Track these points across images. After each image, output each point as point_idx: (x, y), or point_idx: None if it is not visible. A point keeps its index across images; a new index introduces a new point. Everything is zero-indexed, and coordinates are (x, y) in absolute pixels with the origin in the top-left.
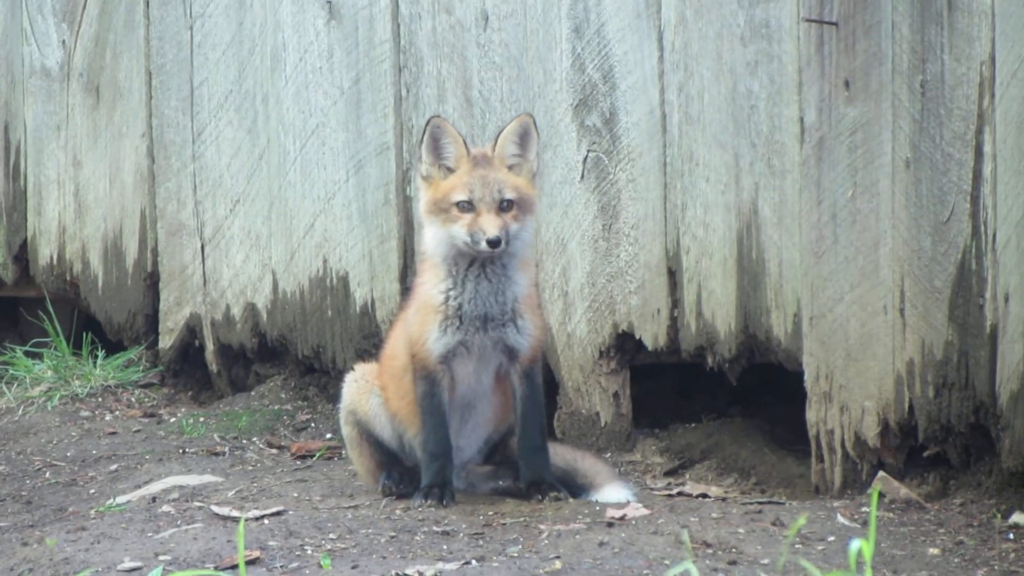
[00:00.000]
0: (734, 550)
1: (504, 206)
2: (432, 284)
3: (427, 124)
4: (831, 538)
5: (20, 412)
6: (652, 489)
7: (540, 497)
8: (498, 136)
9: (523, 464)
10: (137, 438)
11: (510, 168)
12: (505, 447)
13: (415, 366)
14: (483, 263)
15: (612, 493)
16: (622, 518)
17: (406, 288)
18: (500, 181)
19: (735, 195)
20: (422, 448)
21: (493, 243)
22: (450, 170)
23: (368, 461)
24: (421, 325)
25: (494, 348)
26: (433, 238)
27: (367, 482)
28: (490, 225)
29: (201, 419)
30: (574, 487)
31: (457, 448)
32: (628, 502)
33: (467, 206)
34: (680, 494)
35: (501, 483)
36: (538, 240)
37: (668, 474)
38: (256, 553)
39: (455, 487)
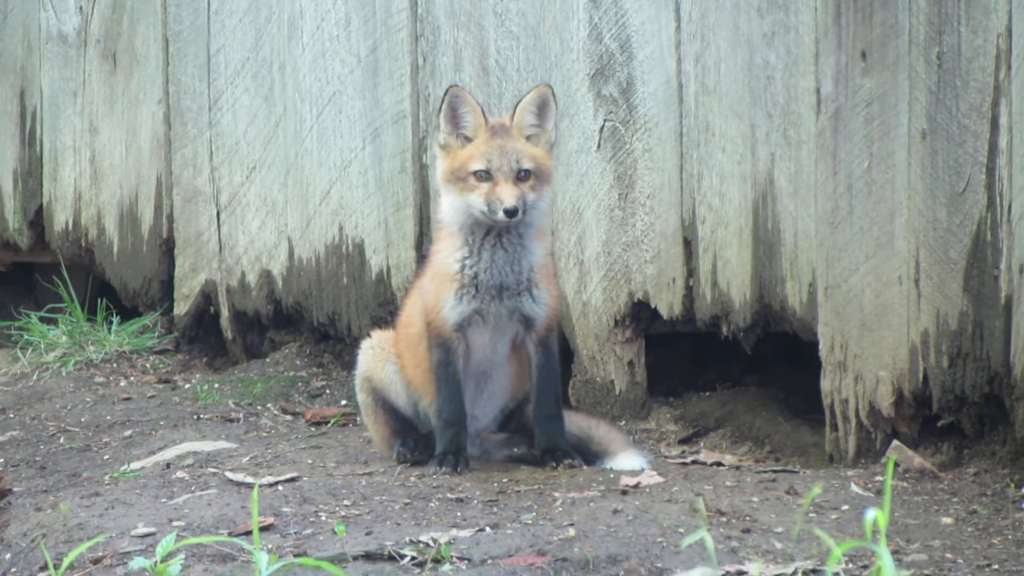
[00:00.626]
0: (748, 518)
1: (521, 176)
2: (448, 252)
3: (445, 93)
4: (845, 507)
5: (35, 377)
6: (666, 457)
7: (555, 464)
8: (516, 106)
9: (538, 431)
10: (151, 404)
11: (528, 138)
12: (520, 415)
13: (430, 334)
14: (499, 232)
15: (626, 460)
16: (636, 486)
17: (422, 256)
18: (518, 151)
19: (751, 165)
20: (437, 415)
21: (510, 212)
22: (468, 139)
23: (383, 428)
24: (437, 293)
25: (510, 317)
26: (450, 207)
27: (382, 449)
28: (507, 195)
29: (216, 385)
30: (588, 454)
31: (472, 417)
32: (642, 470)
33: (484, 175)
34: (694, 462)
35: (516, 451)
36: (554, 209)
37: (682, 442)
38: (270, 519)
39: (470, 454)
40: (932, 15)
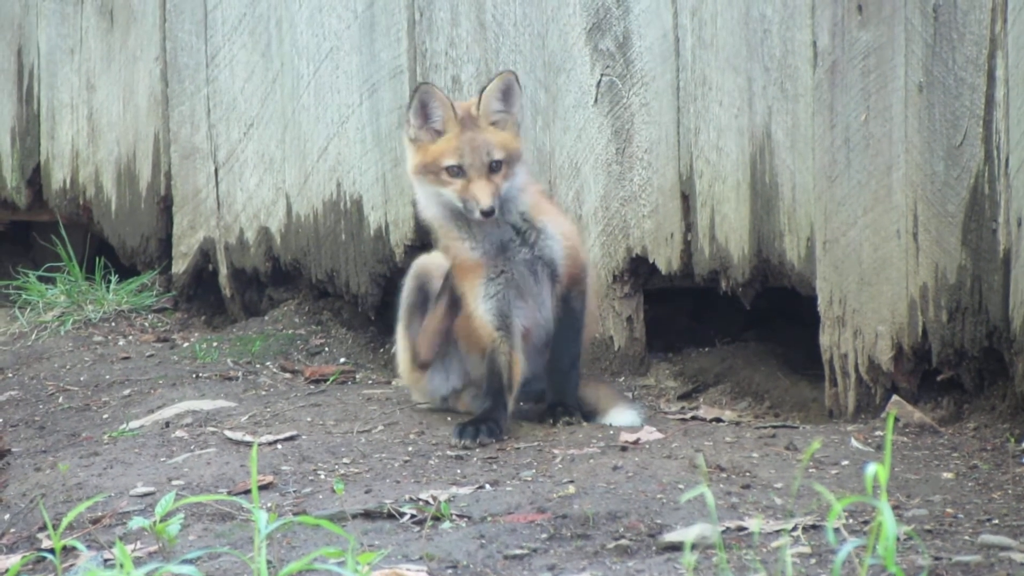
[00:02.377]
0: (748, 474)
1: (494, 167)
2: (456, 246)
3: (416, 90)
4: (845, 462)
5: (33, 337)
6: (666, 413)
7: (552, 421)
8: (481, 93)
9: (548, 385)
10: (150, 363)
11: (494, 124)
12: None
13: (475, 336)
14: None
15: (619, 416)
16: (636, 442)
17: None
18: (488, 143)
19: (748, 119)
20: (484, 387)
21: (487, 212)
22: (438, 132)
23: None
24: (469, 292)
25: (531, 270)
26: (427, 197)
27: (406, 374)
28: (483, 194)
29: (214, 344)
30: (582, 412)
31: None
32: (640, 425)
33: (457, 171)
34: (694, 418)
35: (522, 404)
36: (551, 164)
37: (682, 398)
38: (269, 478)
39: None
40: None
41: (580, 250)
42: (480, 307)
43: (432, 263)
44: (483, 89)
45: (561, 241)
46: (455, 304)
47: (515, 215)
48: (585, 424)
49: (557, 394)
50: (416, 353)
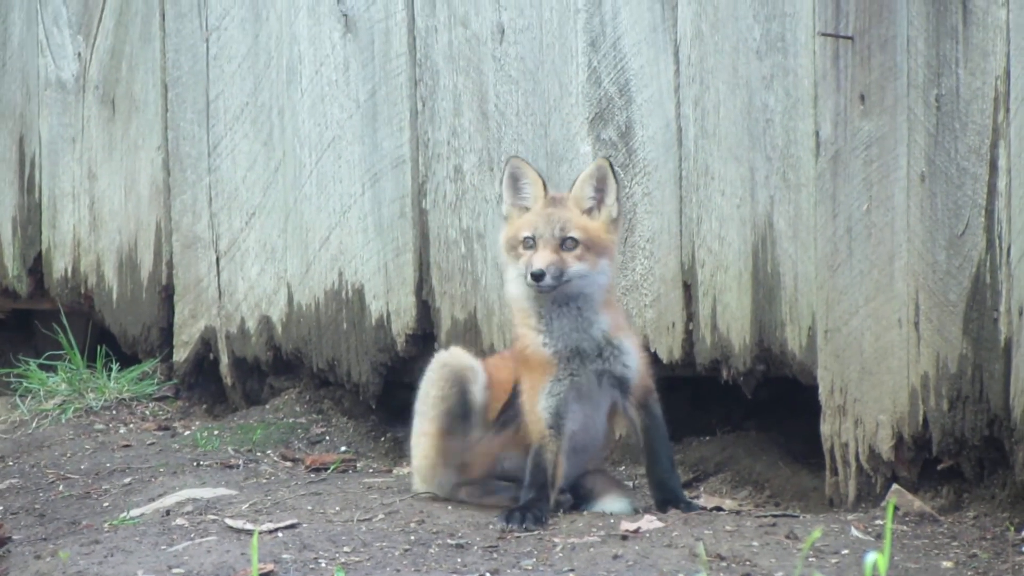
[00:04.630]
0: (748, 563)
1: (567, 245)
2: (530, 336)
3: (506, 164)
4: (845, 551)
5: (34, 425)
6: None
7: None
8: (577, 178)
9: (654, 486)
10: (151, 451)
11: (587, 211)
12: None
13: (528, 427)
14: (559, 303)
15: (611, 503)
16: (636, 531)
17: (423, 302)
18: (564, 219)
19: (750, 208)
20: (526, 479)
21: (536, 276)
22: (527, 209)
23: (445, 442)
24: (531, 387)
25: (600, 383)
26: (514, 277)
27: (421, 467)
28: (538, 259)
29: (215, 432)
30: (577, 496)
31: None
32: (632, 513)
33: (531, 242)
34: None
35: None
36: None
37: (682, 487)
38: (270, 566)
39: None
40: (930, 58)
41: (648, 367)
42: (541, 403)
43: (464, 365)
44: (579, 175)
45: (635, 355)
46: (517, 427)
47: (597, 332)
48: (586, 513)
49: (665, 493)
50: (465, 466)
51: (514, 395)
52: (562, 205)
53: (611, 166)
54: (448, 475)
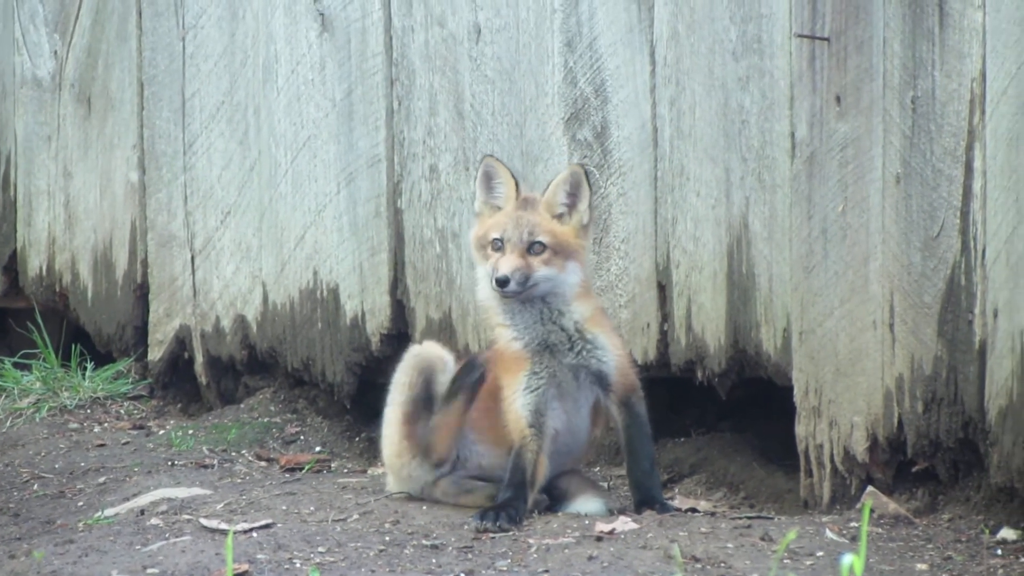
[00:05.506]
0: (723, 565)
1: (534, 249)
2: (501, 334)
3: (481, 162)
4: (820, 553)
5: (8, 424)
6: None
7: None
8: (550, 182)
9: (633, 487)
10: (126, 450)
11: (558, 216)
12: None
13: (507, 425)
14: (523, 302)
15: (585, 504)
16: (611, 532)
17: (397, 301)
18: (533, 223)
19: (725, 209)
20: (505, 478)
21: (500, 281)
22: (499, 209)
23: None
24: (509, 385)
25: (577, 377)
26: (479, 277)
27: (391, 460)
28: (503, 264)
29: (190, 431)
30: (552, 497)
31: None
32: (607, 514)
33: (499, 244)
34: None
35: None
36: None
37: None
38: (244, 566)
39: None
40: (906, 59)
41: (629, 364)
42: (518, 400)
43: (434, 355)
44: (552, 179)
45: (611, 351)
46: (471, 400)
47: (569, 322)
48: (560, 514)
49: (644, 493)
50: (429, 448)
51: (464, 367)
52: (533, 208)
53: (586, 173)
54: (416, 466)
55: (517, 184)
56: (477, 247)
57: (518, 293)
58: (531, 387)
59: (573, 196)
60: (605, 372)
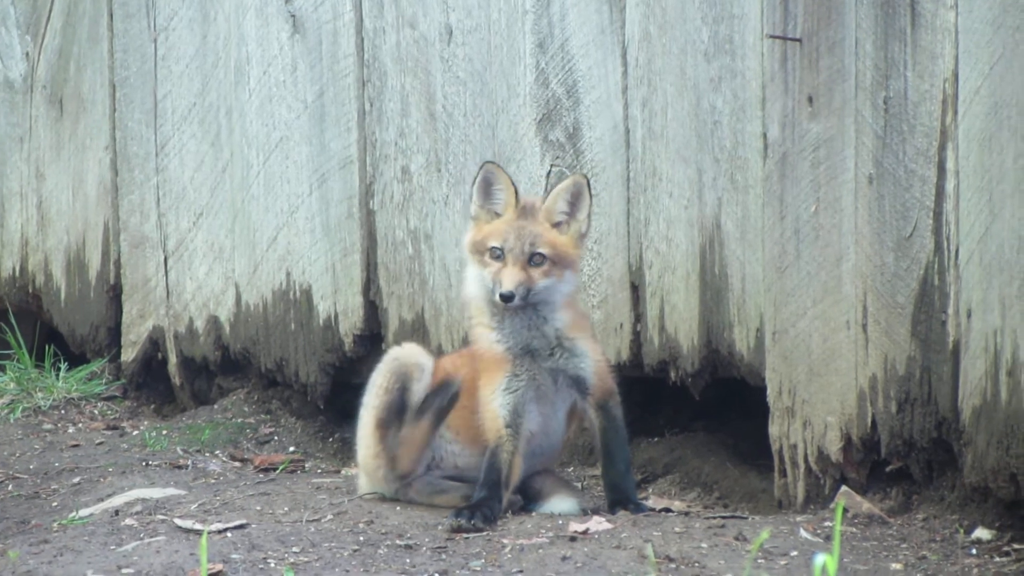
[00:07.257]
0: (697, 565)
1: (535, 260)
2: (486, 334)
3: (480, 168)
4: (794, 553)
5: None
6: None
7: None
8: (550, 190)
9: (608, 487)
10: (100, 451)
11: (556, 225)
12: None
13: (484, 425)
14: (515, 308)
15: (558, 504)
16: (585, 532)
17: (370, 302)
18: (535, 235)
19: (698, 210)
20: (480, 478)
21: (505, 297)
22: (497, 215)
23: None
24: (488, 383)
25: (556, 382)
26: (473, 277)
27: (366, 462)
28: (508, 279)
29: (164, 432)
30: (525, 497)
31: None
32: (580, 514)
33: (499, 253)
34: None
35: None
36: None
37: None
38: (219, 566)
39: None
40: (879, 60)
41: (608, 369)
42: (496, 400)
43: (411, 362)
44: (552, 187)
45: (591, 357)
46: (440, 418)
47: (551, 329)
48: (535, 514)
49: (618, 494)
50: (393, 460)
51: (439, 386)
52: (532, 217)
53: (588, 183)
54: (388, 471)
55: (516, 192)
56: (473, 251)
57: (521, 306)
58: (511, 388)
59: (573, 205)
60: (583, 377)
